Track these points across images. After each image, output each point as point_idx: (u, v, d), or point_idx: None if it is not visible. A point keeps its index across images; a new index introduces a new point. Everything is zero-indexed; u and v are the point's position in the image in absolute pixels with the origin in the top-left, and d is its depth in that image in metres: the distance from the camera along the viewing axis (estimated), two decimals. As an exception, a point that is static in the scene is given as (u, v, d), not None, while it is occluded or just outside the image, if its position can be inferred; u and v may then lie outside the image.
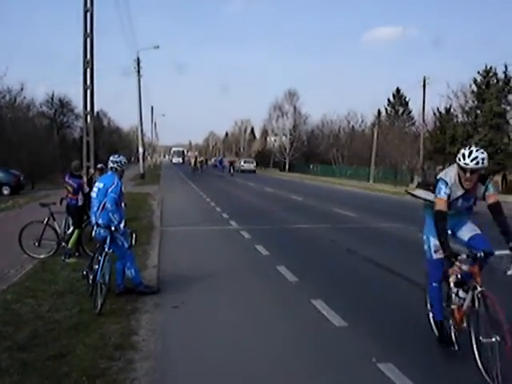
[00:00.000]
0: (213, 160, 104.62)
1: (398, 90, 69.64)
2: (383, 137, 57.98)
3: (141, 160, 51.54)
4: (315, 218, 18.94)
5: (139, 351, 5.81)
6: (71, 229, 11.10)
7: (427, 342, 6.20)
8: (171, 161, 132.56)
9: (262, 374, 5.34)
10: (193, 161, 73.25)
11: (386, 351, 5.80)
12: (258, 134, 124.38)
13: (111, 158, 8.09)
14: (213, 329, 6.69)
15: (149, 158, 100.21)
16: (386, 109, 70.47)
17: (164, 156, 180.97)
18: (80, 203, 10.96)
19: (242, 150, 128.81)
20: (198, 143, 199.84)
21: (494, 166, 42.53)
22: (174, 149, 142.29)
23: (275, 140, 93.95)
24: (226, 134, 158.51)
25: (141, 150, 51.30)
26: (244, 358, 5.72)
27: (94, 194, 7.95)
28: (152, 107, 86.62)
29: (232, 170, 62.30)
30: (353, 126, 79.96)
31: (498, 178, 46.60)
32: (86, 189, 11.15)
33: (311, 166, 76.45)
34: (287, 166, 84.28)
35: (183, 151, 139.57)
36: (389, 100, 70.06)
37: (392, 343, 6.15)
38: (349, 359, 5.68)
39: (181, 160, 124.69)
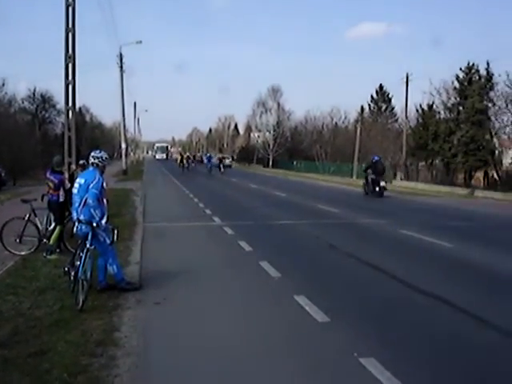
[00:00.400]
0: (198, 155, 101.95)
1: (381, 87, 69.99)
2: (366, 133, 58.16)
3: (123, 156, 51.21)
4: (298, 214, 18.98)
5: (121, 347, 5.79)
6: (53, 225, 11.02)
7: (409, 337, 6.26)
8: (154, 157, 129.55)
9: (244, 370, 5.34)
10: (179, 157, 62.97)
11: (368, 346, 5.83)
12: (241, 130, 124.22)
13: (92, 154, 8.03)
14: (195, 325, 6.68)
15: (132, 153, 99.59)
16: (369, 105, 70.81)
17: (147, 152, 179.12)
18: (61, 199, 10.86)
19: (225, 146, 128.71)
20: (182, 139, 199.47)
21: (475, 162, 42.94)
22: (157, 144, 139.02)
23: (259, 136, 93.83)
24: (210, 130, 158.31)
25: (123, 145, 50.98)
26: (225, 355, 5.71)
27: (75, 190, 7.87)
28: (135, 103, 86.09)
29: (222, 168, 54.01)
30: (336, 123, 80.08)
31: (480, 174, 47.03)
32: (68, 185, 11.06)
33: (295, 163, 76.54)
34: (271, 162, 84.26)
35: (167, 147, 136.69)
36: (372, 96, 70.39)
37: (374, 338, 6.19)
38: (331, 354, 5.70)
39: (164, 156, 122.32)
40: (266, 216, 18.34)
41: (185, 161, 59.06)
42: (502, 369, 5.43)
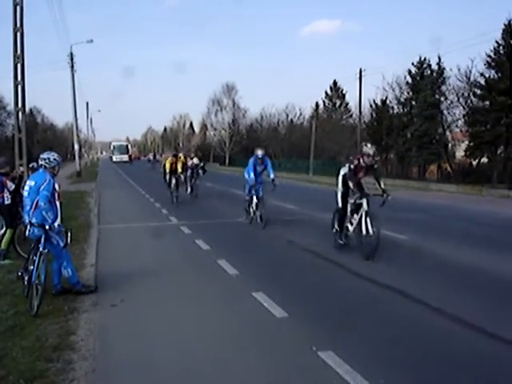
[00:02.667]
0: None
1: (335, 83, 70.53)
2: (321, 129, 58.71)
3: (77, 157, 50.37)
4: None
5: (78, 351, 5.72)
6: (3, 229, 10.75)
7: (367, 329, 6.34)
8: (111, 158, 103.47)
9: (203, 369, 5.33)
10: (167, 164, 24.16)
11: (326, 340, 5.89)
12: (197, 129, 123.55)
13: (41, 156, 7.87)
14: (152, 326, 6.64)
15: (85, 155, 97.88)
16: (323, 101, 71.30)
17: (101, 152, 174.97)
18: (7, 201, 10.58)
19: (181, 145, 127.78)
20: (136, 139, 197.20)
21: (429, 155, 43.76)
22: (114, 143, 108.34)
23: (214, 134, 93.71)
24: (165, 129, 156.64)
25: (76, 146, 50.12)
26: (184, 355, 5.69)
27: (25, 193, 7.70)
28: (87, 103, 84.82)
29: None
30: (291, 119, 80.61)
31: (434, 167, 47.95)
32: (11, 186, 10.77)
33: (251, 160, 76.57)
34: (227, 160, 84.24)
35: (127, 145, 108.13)
36: (326, 93, 70.91)
37: (332, 331, 6.26)
38: (289, 349, 5.73)
39: (126, 158, 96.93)
40: (222, 214, 18.35)
41: (182, 173, 23.86)
42: (458, 355, 5.55)
